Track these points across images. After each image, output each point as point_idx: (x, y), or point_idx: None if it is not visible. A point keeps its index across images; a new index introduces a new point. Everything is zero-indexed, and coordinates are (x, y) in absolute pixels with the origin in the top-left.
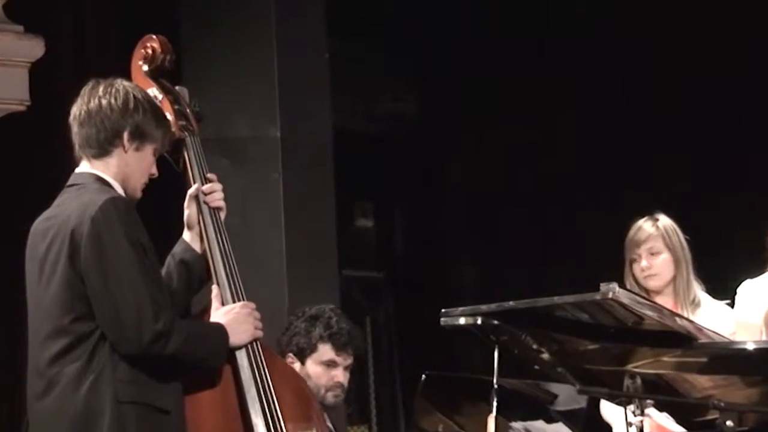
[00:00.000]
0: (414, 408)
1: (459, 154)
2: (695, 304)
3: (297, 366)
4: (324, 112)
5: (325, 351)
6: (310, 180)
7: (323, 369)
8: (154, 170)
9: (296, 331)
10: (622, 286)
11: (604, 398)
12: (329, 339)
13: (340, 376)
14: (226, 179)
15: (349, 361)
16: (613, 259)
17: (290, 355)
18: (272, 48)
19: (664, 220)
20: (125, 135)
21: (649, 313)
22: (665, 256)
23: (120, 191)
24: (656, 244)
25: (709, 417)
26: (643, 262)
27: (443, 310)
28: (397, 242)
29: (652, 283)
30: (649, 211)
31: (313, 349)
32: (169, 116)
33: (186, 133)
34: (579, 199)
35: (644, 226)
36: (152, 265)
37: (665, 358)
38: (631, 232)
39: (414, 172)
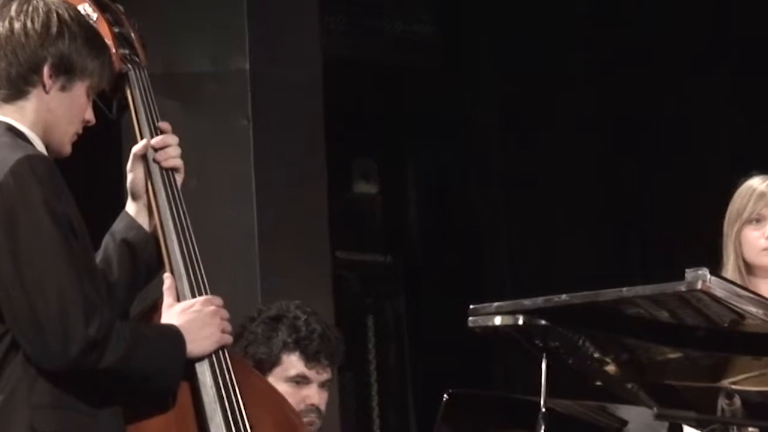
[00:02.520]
0: None
1: (496, 94)
2: None
3: None
4: (311, 38)
5: (292, 363)
6: (291, 129)
7: (290, 387)
8: (90, 116)
9: (252, 338)
10: (716, 272)
11: (690, 425)
12: (296, 346)
13: (314, 396)
14: (178, 129)
15: (326, 375)
16: (705, 237)
17: None
18: None
19: None
20: (46, 69)
21: (753, 309)
22: None
23: (40, 147)
24: None
25: None
26: None
27: (472, 307)
28: (410, 214)
29: None
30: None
31: (275, 361)
32: (107, 42)
33: (129, 66)
34: (663, 158)
35: None
36: (83, 249)
37: None
38: (752, 190)
39: (435, 120)
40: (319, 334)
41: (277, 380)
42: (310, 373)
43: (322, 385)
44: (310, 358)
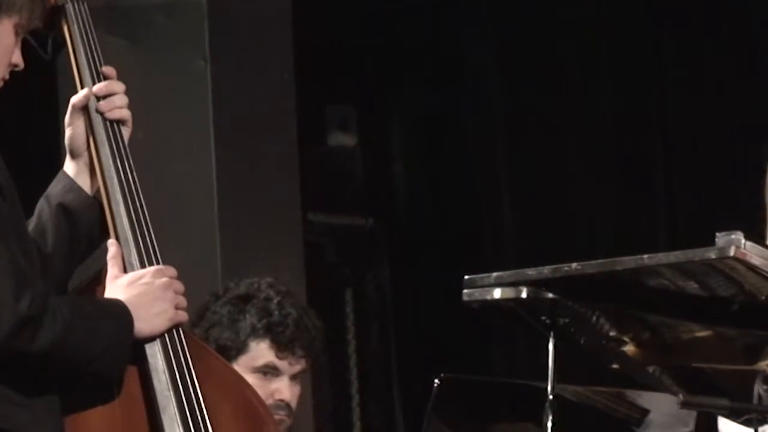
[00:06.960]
0: (424, 428)
1: (496, 30)
2: None
3: None
4: None
5: (261, 352)
6: (256, 71)
7: (258, 379)
8: (18, 58)
9: (216, 320)
10: (752, 236)
11: (722, 415)
12: (267, 333)
13: (285, 390)
14: (123, 72)
15: (299, 367)
16: (743, 197)
17: None
18: None
19: None
20: None
21: None
22: None
23: None
24: None
25: None
26: None
27: (468, 278)
28: (395, 170)
29: None
30: None
31: (241, 348)
32: None
33: None
34: (693, 102)
35: None
36: (11, 213)
37: None
38: None
39: (424, 61)
40: (293, 320)
41: (243, 370)
42: (281, 364)
43: (294, 377)
44: (282, 347)
